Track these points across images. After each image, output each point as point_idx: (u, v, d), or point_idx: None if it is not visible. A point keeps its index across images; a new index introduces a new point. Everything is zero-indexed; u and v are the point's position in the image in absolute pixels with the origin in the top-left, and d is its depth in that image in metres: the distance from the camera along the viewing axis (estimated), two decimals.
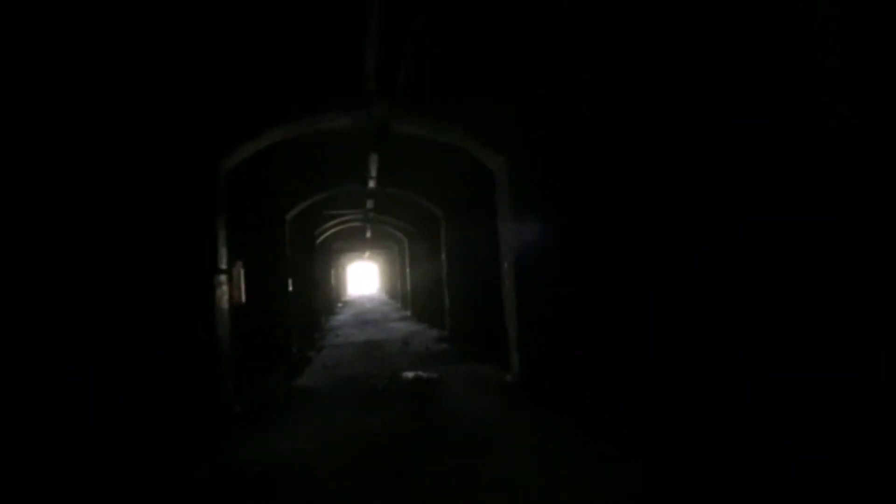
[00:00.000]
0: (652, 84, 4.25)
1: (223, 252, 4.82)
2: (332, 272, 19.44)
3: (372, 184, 8.23)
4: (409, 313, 15.49)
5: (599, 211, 4.97)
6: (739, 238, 3.26)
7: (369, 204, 10.76)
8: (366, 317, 15.98)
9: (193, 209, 4.41)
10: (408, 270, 15.64)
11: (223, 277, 4.75)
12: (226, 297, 4.83)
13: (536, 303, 5.05)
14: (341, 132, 6.64)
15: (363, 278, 43.18)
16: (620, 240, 4.83)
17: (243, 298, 7.52)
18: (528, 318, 5.09)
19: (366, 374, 6.54)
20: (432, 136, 5.91)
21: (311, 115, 4.84)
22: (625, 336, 4.76)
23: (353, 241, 19.69)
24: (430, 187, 8.77)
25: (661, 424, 3.81)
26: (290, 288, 9.12)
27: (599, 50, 4.86)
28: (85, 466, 3.43)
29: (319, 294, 14.56)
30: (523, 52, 5.02)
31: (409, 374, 6.21)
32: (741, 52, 3.18)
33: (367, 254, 24.85)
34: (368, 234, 16.80)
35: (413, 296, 15.02)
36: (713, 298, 3.71)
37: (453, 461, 3.39)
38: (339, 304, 22.13)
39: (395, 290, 22.13)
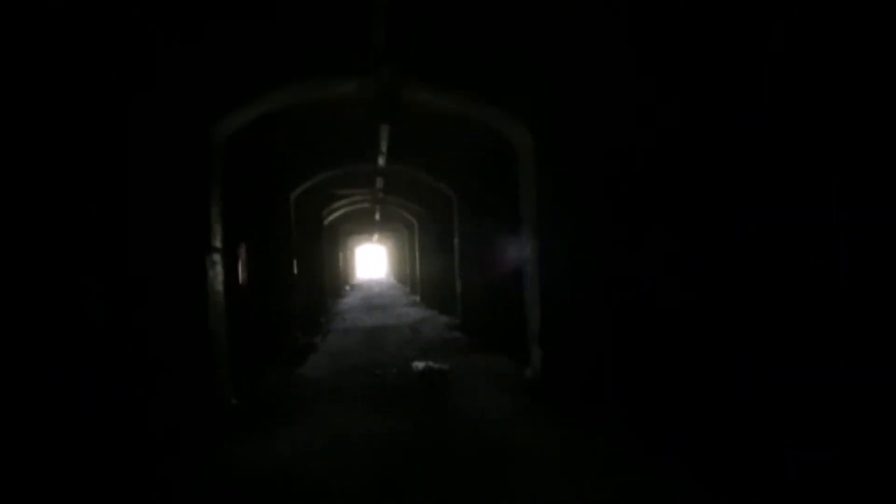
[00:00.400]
0: None
1: (217, 228, 4.36)
2: (340, 255, 19.06)
3: (382, 161, 7.72)
4: (418, 298, 15.08)
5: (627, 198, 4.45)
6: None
7: (379, 183, 10.25)
8: (374, 301, 15.60)
9: (181, 178, 3.94)
10: (417, 254, 15.18)
11: (217, 257, 4.30)
12: (220, 279, 4.39)
13: (564, 295, 4.55)
14: (349, 104, 6.12)
15: (371, 261, 42.85)
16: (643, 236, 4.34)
17: (246, 280, 7.11)
18: (553, 312, 4.60)
19: (373, 364, 6.12)
20: (447, 105, 5.37)
21: (313, 77, 4.32)
22: (650, 345, 4.26)
23: (362, 224, 19.25)
24: (442, 166, 8.23)
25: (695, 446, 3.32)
26: (295, 270, 8.70)
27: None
28: (60, 476, 3.03)
29: (326, 277, 14.18)
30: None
31: (420, 365, 5.77)
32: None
33: (375, 236, 24.44)
34: (377, 217, 16.33)
35: (422, 281, 14.58)
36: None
37: (470, 483, 2.94)
38: (347, 288, 21.80)
39: (403, 275, 21.73)
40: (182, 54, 3.94)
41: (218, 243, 4.35)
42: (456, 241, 8.95)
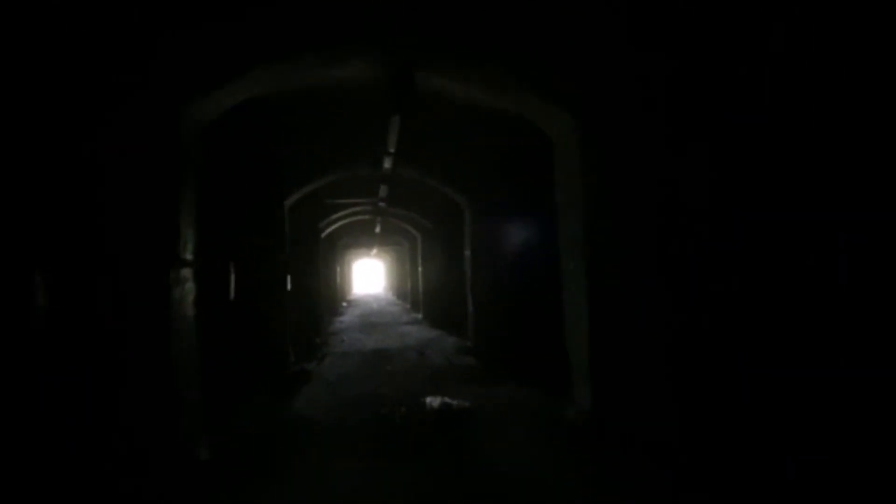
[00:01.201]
0: None
1: (189, 236, 3.48)
2: (338, 269, 18.15)
3: (388, 164, 6.88)
4: (420, 316, 14.15)
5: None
6: None
7: (382, 191, 9.41)
8: (373, 319, 14.65)
9: (141, 171, 3.07)
10: (420, 269, 14.30)
11: (187, 272, 3.41)
12: (192, 299, 3.49)
13: (621, 314, 3.68)
14: (353, 96, 5.29)
15: (368, 276, 41.87)
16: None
17: (231, 296, 6.20)
18: (607, 336, 3.72)
19: (377, 399, 5.19)
20: (468, 92, 4.55)
21: (314, 48, 3.49)
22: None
23: (361, 237, 18.39)
24: (454, 170, 7.41)
25: None
26: (289, 286, 7.80)
27: None
28: None
29: (323, 293, 13.25)
30: None
31: (434, 402, 4.86)
32: None
33: (374, 251, 23.55)
34: (378, 229, 15.48)
35: (426, 297, 13.67)
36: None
37: None
38: (345, 304, 20.84)
39: (403, 290, 20.80)
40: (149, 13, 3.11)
41: (189, 255, 3.47)
42: (467, 253, 8.09)
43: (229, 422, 4.35)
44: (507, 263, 7.07)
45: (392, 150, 6.29)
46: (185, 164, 3.47)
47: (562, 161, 4.25)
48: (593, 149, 3.80)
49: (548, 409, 4.45)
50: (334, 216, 11.85)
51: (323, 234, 13.51)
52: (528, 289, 6.81)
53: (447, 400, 4.88)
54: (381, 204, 10.39)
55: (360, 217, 13.68)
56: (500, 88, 4.12)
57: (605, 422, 3.75)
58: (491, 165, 7.26)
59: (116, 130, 3.03)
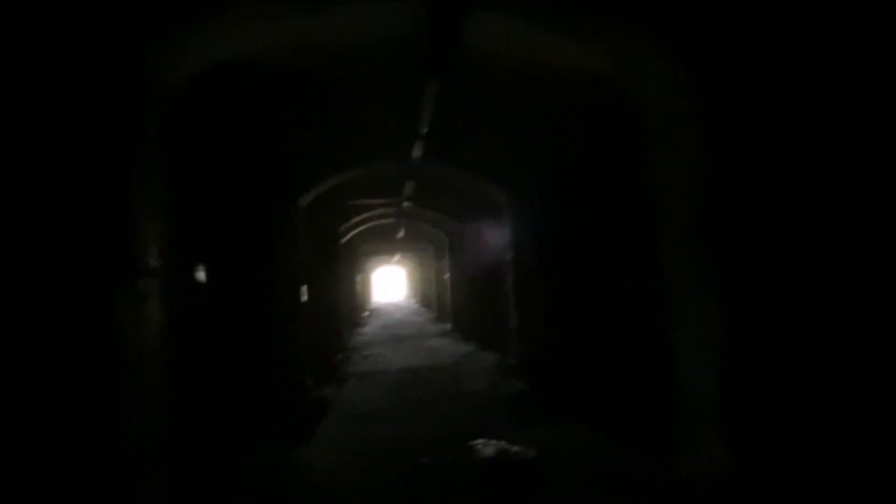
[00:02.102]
0: None
1: (154, 234, 2.45)
2: (358, 278, 17.21)
3: (417, 151, 5.82)
4: (448, 327, 13.04)
5: None
6: None
7: (408, 189, 8.37)
8: (397, 330, 13.60)
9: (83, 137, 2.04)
10: (447, 275, 13.21)
11: (148, 285, 2.38)
12: (156, 321, 2.46)
13: (774, 338, 2.52)
14: (379, 63, 4.26)
15: (389, 284, 41.00)
16: None
17: (234, 313, 5.21)
18: (752, 368, 2.56)
19: (413, 442, 4.08)
20: (534, 39, 3.44)
21: None
22: None
23: (382, 243, 17.43)
24: (496, 156, 6.30)
25: None
26: (304, 298, 6.78)
27: None
28: None
29: (344, 304, 12.27)
30: None
31: (486, 448, 3.74)
32: None
33: (396, 257, 22.58)
34: (401, 234, 14.48)
35: (455, 307, 12.56)
36: None
37: None
38: (366, 314, 19.88)
39: (428, 298, 19.74)
40: None
41: (153, 260, 2.43)
42: (510, 256, 6.96)
43: (226, 479, 3.30)
44: (563, 269, 5.92)
45: (424, 132, 5.22)
46: (149, 131, 2.45)
47: (661, 131, 3.10)
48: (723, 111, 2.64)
49: (650, 465, 3.27)
50: (355, 219, 10.87)
51: (343, 240, 12.58)
52: (590, 299, 5.64)
53: (505, 446, 3.75)
54: (406, 204, 9.34)
55: (382, 220, 12.69)
56: (590, 33, 2.99)
57: (752, 494, 2.56)
58: (541, 152, 6.14)
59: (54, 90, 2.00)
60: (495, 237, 8.77)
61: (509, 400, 5.43)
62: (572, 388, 5.21)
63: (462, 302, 11.58)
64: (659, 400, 3.11)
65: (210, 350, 4.09)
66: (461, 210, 10.10)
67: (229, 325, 4.75)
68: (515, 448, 3.73)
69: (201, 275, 4.22)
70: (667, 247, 3.14)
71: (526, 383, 6.13)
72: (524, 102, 5.26)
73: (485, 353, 8.47)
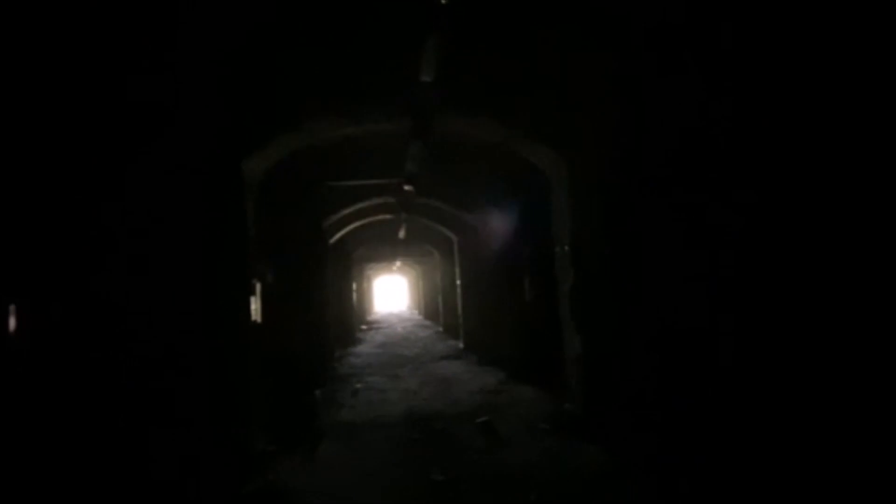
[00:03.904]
0: None
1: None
2: (354, 286, 14.91)
3: (422, 98, 3.60)
4: (461, 345, 10.74)
5: None
6: None
7: (410, 164, 6.13)
8: (399, 349, 11.29)
9: None
10: (459, 282, 10.93)
11: None
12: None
13: None
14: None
15: (390, 293, 38.60)
16: None
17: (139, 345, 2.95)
18: None
19: None
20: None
21: None
22: None
23: (381, 246, 15.15)
24: (543, 98, 4.09)
25: None
26: (257, 315, 4.53)
27: None
28: None
29: (333, 319, 9.99)
30: None
31: None
32: None
33: (397, 264, 20.31)
34: (402, 234, 12.23)
35: (468, 321, 10.26)
36: None
37: None
38: (363, 327, 17.57)
39: (434, 310, 17.45)
40: None
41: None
42: (561, 250, 4.69)
43: None
44: (659, 270, 3.64)
45: (428, 78, 3.02)
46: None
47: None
48: None
49: None
50: (344, 212, 8.62)
51: (332, 240, 10.33)
52: (706, 313, 3.35)
53: None
54: (408, 188, 7.09)
55: (378, 216, 10.46)
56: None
57: None
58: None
59: None
60: (520, 232, 6.51)
61: (591, 490, 3.14)
62: (685, 464, 2.89)
63: (478, 315, 9.27)
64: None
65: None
66: (476, 195, 7.85)
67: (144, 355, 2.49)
68: None
69: None
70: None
71: (604, 451, 3.82)
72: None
73: (519, 388, 6.16)
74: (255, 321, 4.41)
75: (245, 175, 4.16)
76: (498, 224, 7.48)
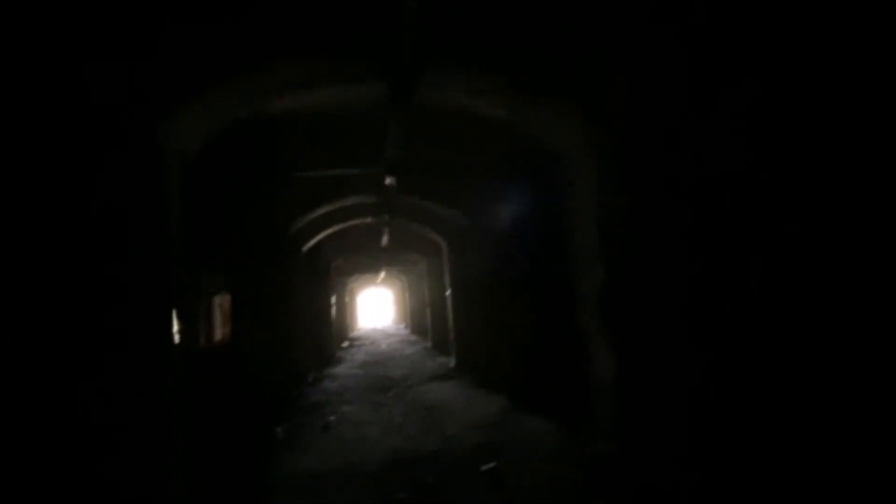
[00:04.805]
0: None
1: None
2: (333, 300, 13.70)
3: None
4: (452, 363, 9.62)
5: None
6: None
7: (391, 151, 5.07)
8: (382, 370, 10.11)
9: None
10: (448, 293, 9.84)
11: None
12: None
13: None
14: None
15: (376, 307, 37.22)
16: None
17: None
18: None
19: None
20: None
21: None
22: None
23: (361, 256, 14.01)
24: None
25: None
26: (176, 335, 3.39)
27: None
28: None
29: (304, 337, 8.80)
30: None
31: None
32: None
33: (381, 275, 19.16)
34: (385, 240, 11.12)
35: (460, 337, 9.16)
36: None
37: None
38: (345, 344, 16.31)
39: (421, 324, 16.30)
40: None
41: None
42: (584, 244, 3.65)
43: None
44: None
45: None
46: None
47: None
48: None
49: None
50: (317, 212, 7.50)
51: (304, 248, 9.18)
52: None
53: None
54: (389, 181, 6.01)
55: (357, 220, 9.36)
56: None
57: None
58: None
59: None
60: (533, 224, 5.47)
61: None
62: None
63: (471, 329, 8.17)
64: None
65: None
66: (468, 195, 6.82)
67: None
68: None
69: None
70: None
71: None
72: None
73: (528, 419, 5.05)
74: (181, 344, 3.26)
75: (169, 149, 3.05)
76: (497, 223, 6.45)
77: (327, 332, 11.80)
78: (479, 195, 6.60)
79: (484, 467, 3.63)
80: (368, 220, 9.35)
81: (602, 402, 3.61)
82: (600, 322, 3.48)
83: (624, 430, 3.35)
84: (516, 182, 5.67)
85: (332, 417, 5.67)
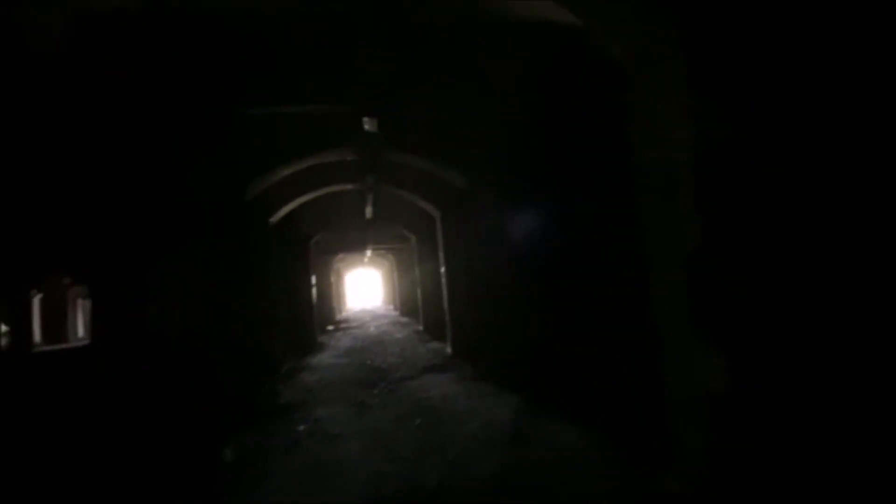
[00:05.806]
0: None
1: None
2: (314, 280, 12.39)
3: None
4: (449, 349, 8.46)
5: None
6: None
7: (371, 72, 3.75)
8: (368, 358, 8.91)
9: None
10: (443, 270, 8.61)
11: None
12: None
13: None
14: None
15: (364, 288, 35.90)
16: None
17: None
18: None
19: None
20: None
21: None
22: None
23: (345, 231, 12.67)
24: None
25: None
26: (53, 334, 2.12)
27: None
28: None
29: (279, 322, 7.55)
30: None
31: None
32: None
33: (367, 254, 17.86)
34: (369, 212, 9.79)
35: (459, 319, 7.96)
36: None
37: None
38: (330, 328, 15.10)
39: (411, 304, 15.11)
40: None
41: None
42: (664, 183, 2.43)
43: None
44: None
45: None
46: None
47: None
48: None
49: None
50: (283, 171, 6.14)
51: (274, 218, 7.84)
52: None
53: None
54: (368, 124, 4.69)
55: (336, 186, 8.02)
56: None
57: None
58: None
59: None
60: (564, 172, 4.21)
61: None
62: None
63: (472, 310, 6.95)
64: None
65: None
66: (473, 145, 5.53)
67: None
68: None
69: None
70: None
71: None
72: None
73: (555, 428, 3.88)
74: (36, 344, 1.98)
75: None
76: (512, 175, 5.18)
77: (307, 316, 10.54)
78: (486, 145, 5.31)
79: None
80: (349, 186, 8.04)
81: (687, 423, 2.43)
82: (692, 307, 2.27)
83: (728, 474, 2.17)
84: (541, 114, 4.39)
85: (303, 427, 4.46)
